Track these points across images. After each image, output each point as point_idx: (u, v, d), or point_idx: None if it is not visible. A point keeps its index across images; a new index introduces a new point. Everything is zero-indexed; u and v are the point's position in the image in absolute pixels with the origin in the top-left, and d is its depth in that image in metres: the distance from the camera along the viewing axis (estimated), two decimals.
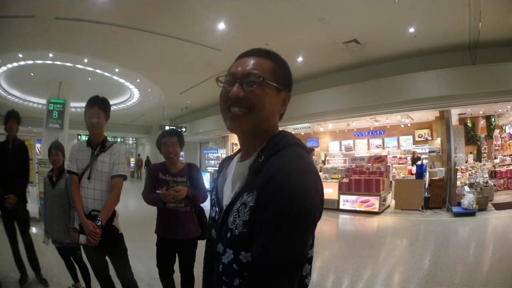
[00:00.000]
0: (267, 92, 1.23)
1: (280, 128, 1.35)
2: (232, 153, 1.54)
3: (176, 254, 3.80)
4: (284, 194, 1.03)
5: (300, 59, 13.08)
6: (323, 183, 1.20)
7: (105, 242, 3.25)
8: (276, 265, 1.01)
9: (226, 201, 1.27)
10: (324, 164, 16.83)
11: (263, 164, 1.16)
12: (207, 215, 1.61)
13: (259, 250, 1.05)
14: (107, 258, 3.58)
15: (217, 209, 1.35)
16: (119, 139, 35.41)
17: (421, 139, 16.76)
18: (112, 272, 3.62)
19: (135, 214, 10.33)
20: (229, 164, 1.43)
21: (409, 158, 16.28)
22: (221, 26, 10.26)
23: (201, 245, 3.85)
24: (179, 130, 3.84)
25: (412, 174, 14.21)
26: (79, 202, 3.33)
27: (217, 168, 1.62)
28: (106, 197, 3.37)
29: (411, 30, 10.60)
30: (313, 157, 15.64)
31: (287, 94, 1.30)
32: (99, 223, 3.16)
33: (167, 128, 22.02)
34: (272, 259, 1.02)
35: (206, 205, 3.84)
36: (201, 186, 3.74)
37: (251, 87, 1.22)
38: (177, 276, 3.80)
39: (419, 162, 13.98)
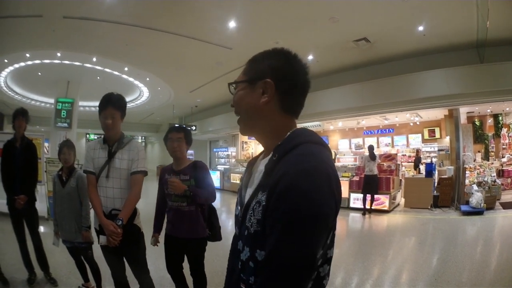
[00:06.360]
0: (240, 92, 1.34)
1: None
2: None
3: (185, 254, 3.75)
4: (293, 195, 1.01)
5: (310, 57, 13.04)
6: None
7: (126, 241, 3.17)
8: (283, 266, 1.00)
9: (246, 199, 1.27)
10: (334, 162, 16.71)
11: (276, 163, 1.14)
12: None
13: (268, 251, 1.05)
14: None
15: (239, 207, 1.36)
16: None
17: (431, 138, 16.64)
18: (128, 272, 3.53)
19: (145, 213, 10.32)
20: (255, 163, 1.42)
21: None
22: (232, 24, 10.24)
23: (215, 246, 3.87)
24: (188, 128, 3.76)
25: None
26: (97, 202, 3.24)
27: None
28: (126, 195, 3.26)
29: (420, 28, 10.55)
30: None
31: (264, 82, 1.26)
32: (120, 222, 3.07)
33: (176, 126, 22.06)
34: (279, 260, 1.01)
35: (217, 204, 3.85)
36: (207, 185, 3.62)
37: None
38: (190, 277, 3.75)
39: (422, 163, 13.97)
